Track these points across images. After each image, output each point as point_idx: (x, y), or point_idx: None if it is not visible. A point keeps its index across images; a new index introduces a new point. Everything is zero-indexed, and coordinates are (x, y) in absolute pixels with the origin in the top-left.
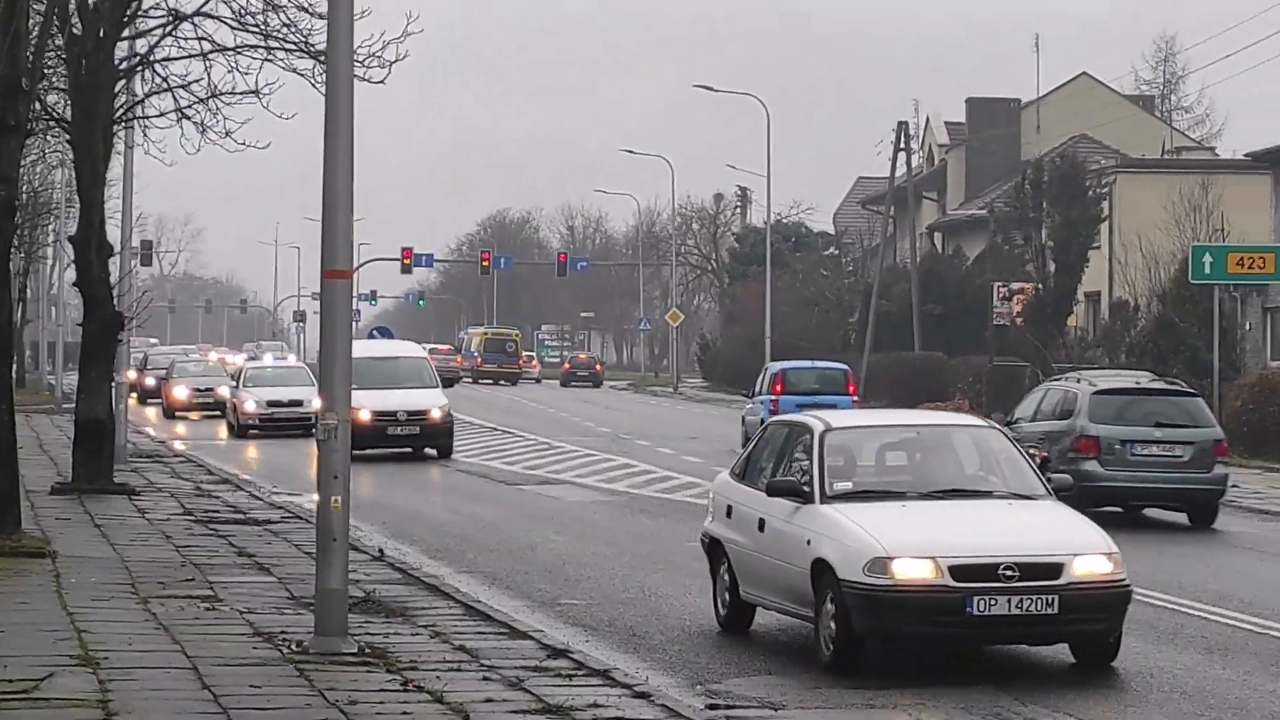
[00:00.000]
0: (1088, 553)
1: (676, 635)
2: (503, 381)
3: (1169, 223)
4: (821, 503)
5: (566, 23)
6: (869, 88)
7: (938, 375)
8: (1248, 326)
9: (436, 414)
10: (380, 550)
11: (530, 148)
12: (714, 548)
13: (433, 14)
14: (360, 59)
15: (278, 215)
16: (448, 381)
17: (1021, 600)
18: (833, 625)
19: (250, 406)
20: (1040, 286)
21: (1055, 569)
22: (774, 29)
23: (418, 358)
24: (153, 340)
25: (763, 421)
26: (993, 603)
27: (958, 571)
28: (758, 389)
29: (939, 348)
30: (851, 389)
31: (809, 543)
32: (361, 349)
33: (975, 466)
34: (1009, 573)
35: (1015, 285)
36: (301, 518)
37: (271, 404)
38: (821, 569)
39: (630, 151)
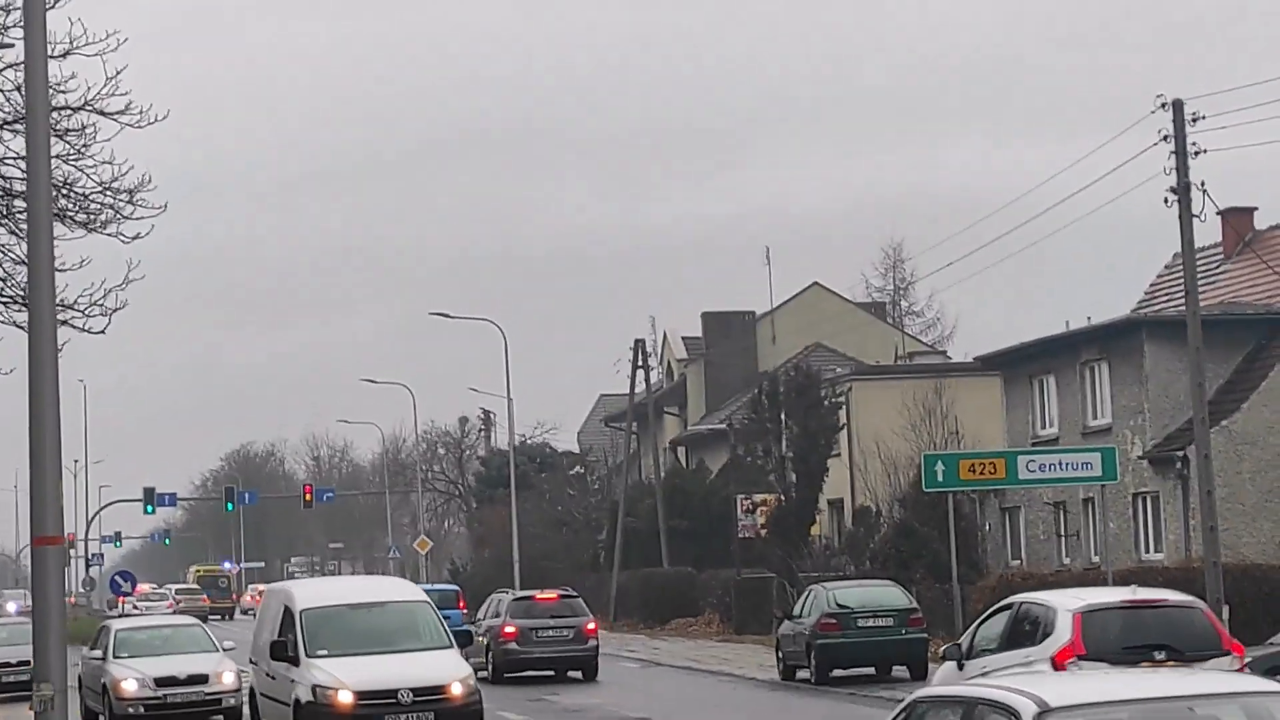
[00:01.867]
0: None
1: None
2: (213, 616)
3: (905, 428)
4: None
5: (305, 253)
6: (608, 306)
7: (687, 590)
8: (987, 527)
9: (458, 689)
10: None
11: (271, 380)
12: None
13: (164, 247)
14: (81, 308)
15: (15, 462)
16: (199, 618)
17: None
18: None
19: (130, 687)
20: (782, 497)
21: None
22: (509, 251)
23: (415, 602)
24: None
25: None
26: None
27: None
28: None
29: (687, 562)
30: (462, 604)
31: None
32: (327, 591)
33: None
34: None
35: (758, 497)
36: None
37: (162, 681)
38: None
39: (371, 381)
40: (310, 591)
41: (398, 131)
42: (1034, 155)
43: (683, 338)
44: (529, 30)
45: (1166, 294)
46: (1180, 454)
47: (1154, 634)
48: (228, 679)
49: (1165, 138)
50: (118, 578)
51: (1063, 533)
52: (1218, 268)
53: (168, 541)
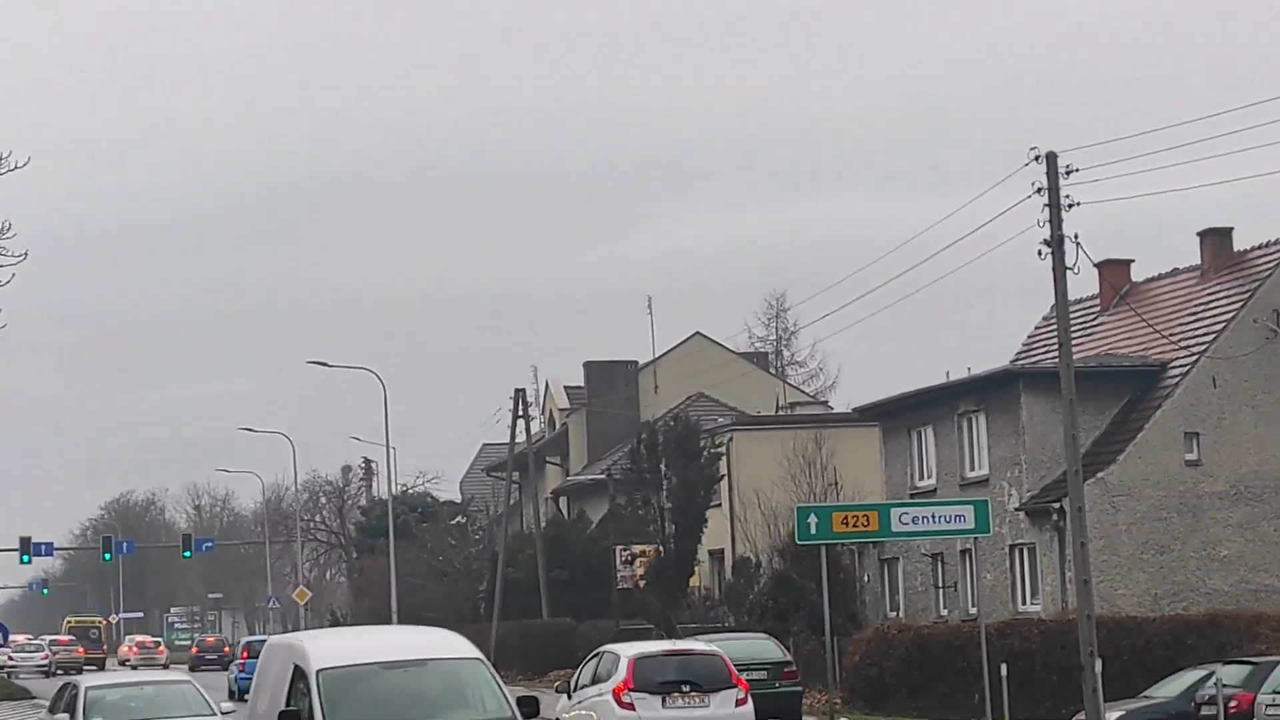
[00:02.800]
0: None
1: None
2: (89, 667)
3: (785, 478)
4: None
5: (182, 304)
6: (491, 355)
7: (566, 641)
8: (866, 579)
9: None
10: None
11: (150, 430)
12: None
13: (40, 296)
14: None
15: None
16: (74, 669)
17: None
18: None
19: None
20: (661, 549)
21: None
22: (392, 301)
23: (465, 659)
24: None
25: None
26: None
27: None
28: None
29: (567, 613)
30: None
31: None
32: (350, 646)
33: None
34: None
35: (637, 548)
36: None
37: None
38: None
39: (250, 430)
40: (328, 646)
41: (274, 180)
42: (913, 206)
43: (565, 387)
44: (413, 79)
45: (1045, 345)
46: (1056, 505)
47: (684, 673)
48: None
49: (1039, 190)
50: None
51: (940, 584)
52: (1095, 319)
53: (45, 591)
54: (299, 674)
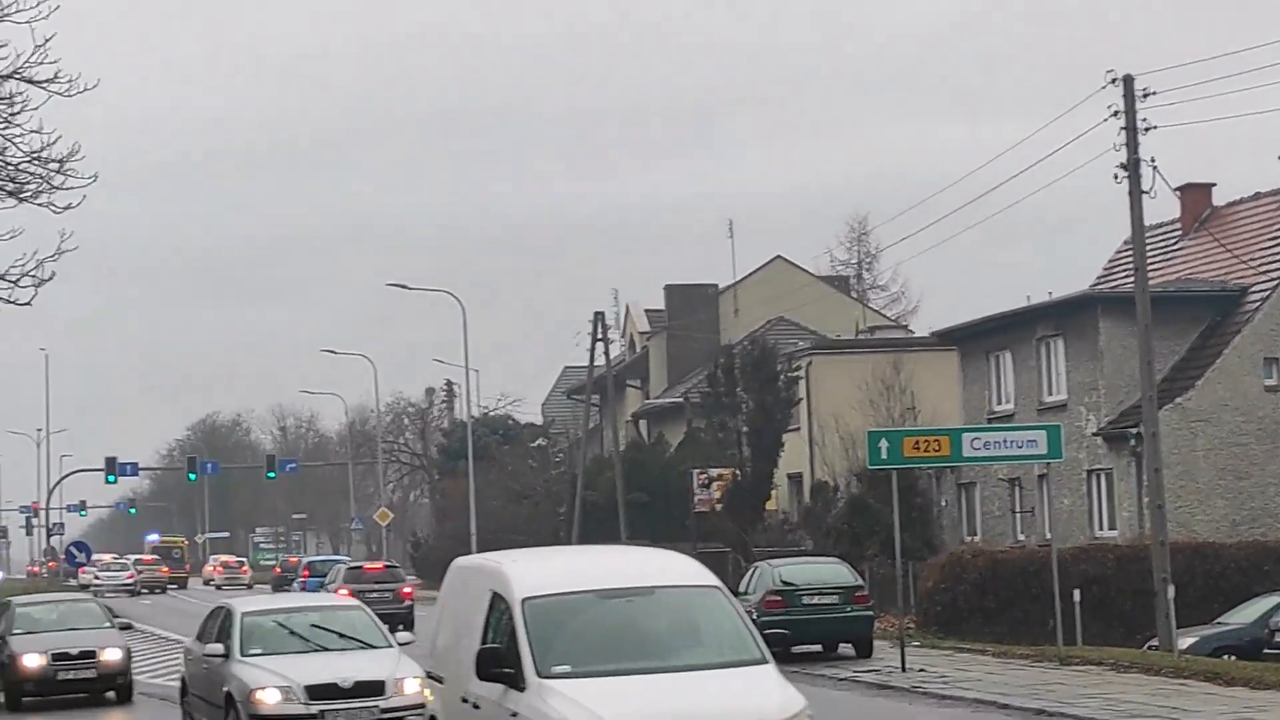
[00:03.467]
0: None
1: None
2: (171, 586)
3: (863, 402)
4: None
5: (259, 223)
6: (574, 279)
7: None
8: (944, 504)
9: None
10: None
11: (234, 353)
12: None
13: (123, 217)
14: (12, 279)
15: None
16: (158, 588)
17: None
18: None
19: (271, 699)
20: (738, 472)
21: None
22: (475, 226)
23: (701, 587)
24: None
25: None
26: None
27: None
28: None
29: (645, 536)
30: (405, 593)
31: None
32: (560, 570)
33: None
34: None
35: (714, 471)
36: None
37: (316, 691)
38: None
39: (331, 352)
40: (534, 571)
41: (359, 107)
42: (992, 131)
43: (645, 311)
44: (497, 4)
45: (1125, 270)
46: (1134, 431)
47: None
48: (410, 689)
49: (1115, 113)
50: (73, 549)
51: (1017, 509)
52: (1175, 244)
53: (133, 511)
54: (498, 603)
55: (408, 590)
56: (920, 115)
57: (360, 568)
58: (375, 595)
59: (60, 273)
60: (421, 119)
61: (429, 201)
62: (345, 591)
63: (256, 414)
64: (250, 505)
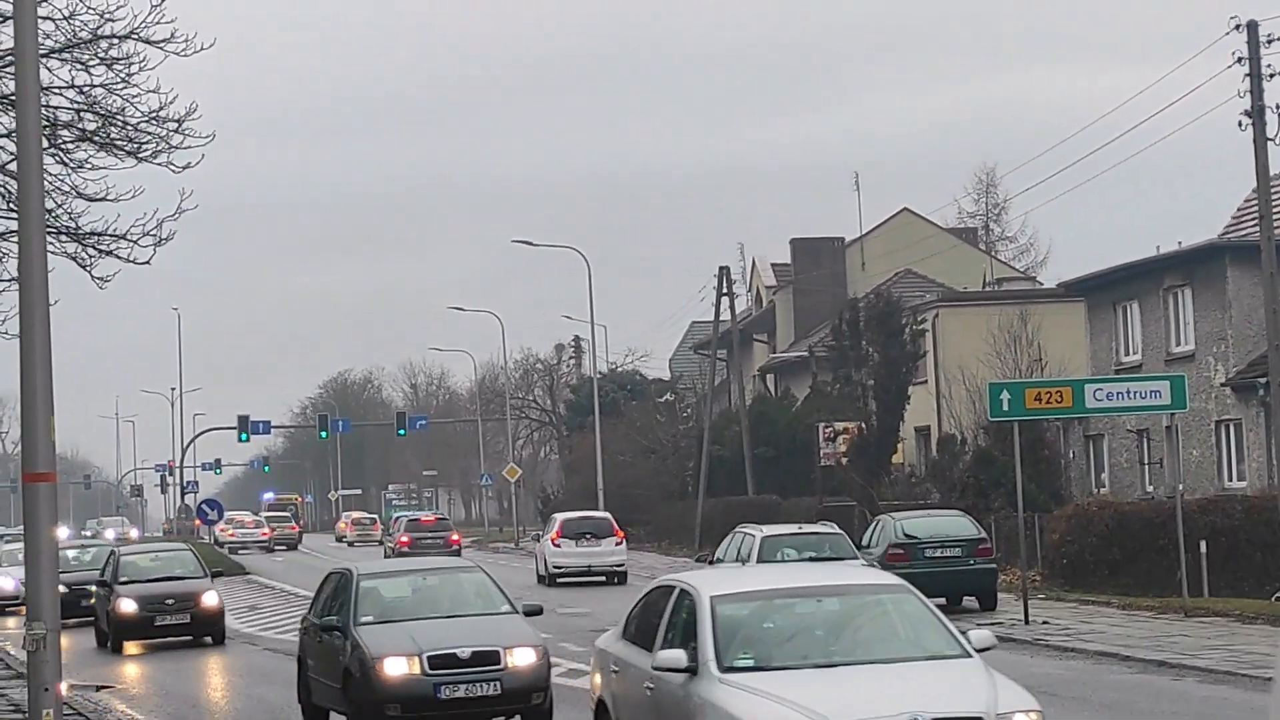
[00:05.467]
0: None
1: None
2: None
3: (990, 355)
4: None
5: (387, 185)
6: (699, 233)
7: (771, 518)
8: (1071, 455)
9: None
10: None
11: (362, 311)
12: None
13: (242, 177)
14: (134, 239)
15: (117, 389)
16: (286, 545)
17: None
18: None
19: (128, 608)
20: (864, 426)
21: None
22: (597, 179)
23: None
24: None
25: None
26: None
27: None
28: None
29: (772, 490)
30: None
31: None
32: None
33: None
34: None
35: (840, 425)
36: None
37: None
38: None
39: (459, 309)
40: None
41: (479, 59)
42: (1116, 78)
43: (771, 265)
44: None
45: (1253, 218)
46: (1263, 381)
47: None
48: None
49: (1240, 60)
50: (204, 506)
51: (1145, 460)
52: None
53: (266, 469)
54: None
55: (455, 538)
56: (1042, 63)
57: (418, 519)
58: (429, 540)
59: (185, 232)
60: (544, 72)
61: (552, 156)
62: (406, 540)
63: (387, 371)
64: (382, 462)
